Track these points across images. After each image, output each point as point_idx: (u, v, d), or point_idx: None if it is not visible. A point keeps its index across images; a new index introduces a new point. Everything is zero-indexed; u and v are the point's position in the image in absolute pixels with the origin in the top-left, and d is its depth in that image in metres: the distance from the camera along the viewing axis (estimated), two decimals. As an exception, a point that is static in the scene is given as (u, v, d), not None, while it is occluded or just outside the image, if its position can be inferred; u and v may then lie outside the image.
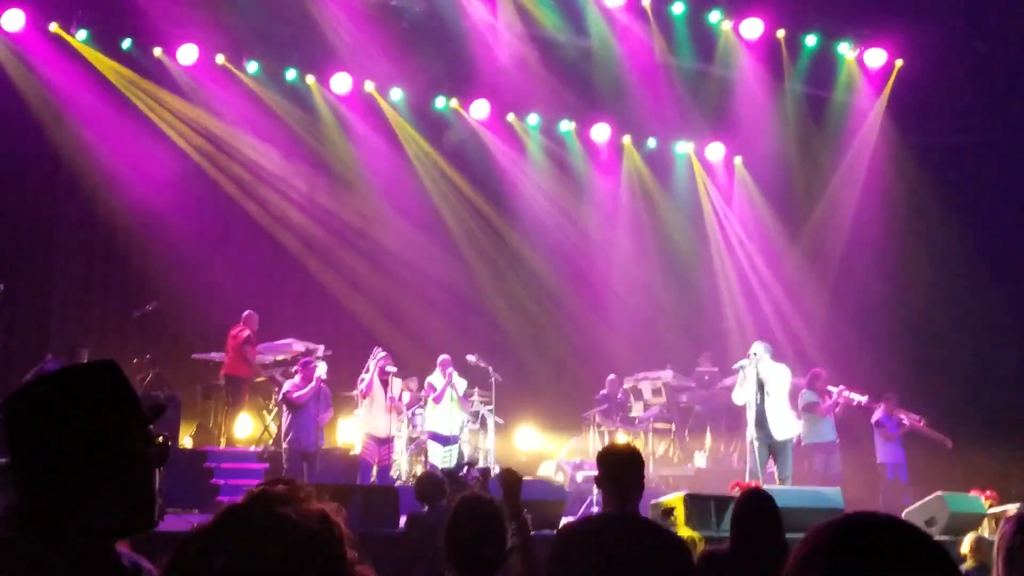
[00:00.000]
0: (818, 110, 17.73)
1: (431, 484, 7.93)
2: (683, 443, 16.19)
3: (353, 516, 6.75)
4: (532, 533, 4.36)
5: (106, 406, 2.23)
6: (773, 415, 11.92)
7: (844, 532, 1.55)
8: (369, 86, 16.62)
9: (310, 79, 16.29)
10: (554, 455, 15.39)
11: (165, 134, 15.43)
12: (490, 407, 14.18)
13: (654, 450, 15.63)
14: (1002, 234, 16.15)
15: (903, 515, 10.98)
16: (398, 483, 12.45)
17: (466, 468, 8.71)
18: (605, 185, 18.50)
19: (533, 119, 17.73)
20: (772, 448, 12.03)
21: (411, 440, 13.65)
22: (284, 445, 12.17)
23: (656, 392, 16.22)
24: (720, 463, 15.44)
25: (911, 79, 16.65)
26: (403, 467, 13.43)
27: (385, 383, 12.86)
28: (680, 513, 8.95)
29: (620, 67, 16.89)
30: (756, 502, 4.97)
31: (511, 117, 17.59)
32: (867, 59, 17.22)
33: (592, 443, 14.93)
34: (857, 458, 14.09)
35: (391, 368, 13.03)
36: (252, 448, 13.41)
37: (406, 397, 13.52)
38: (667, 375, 16.26)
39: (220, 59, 15.54)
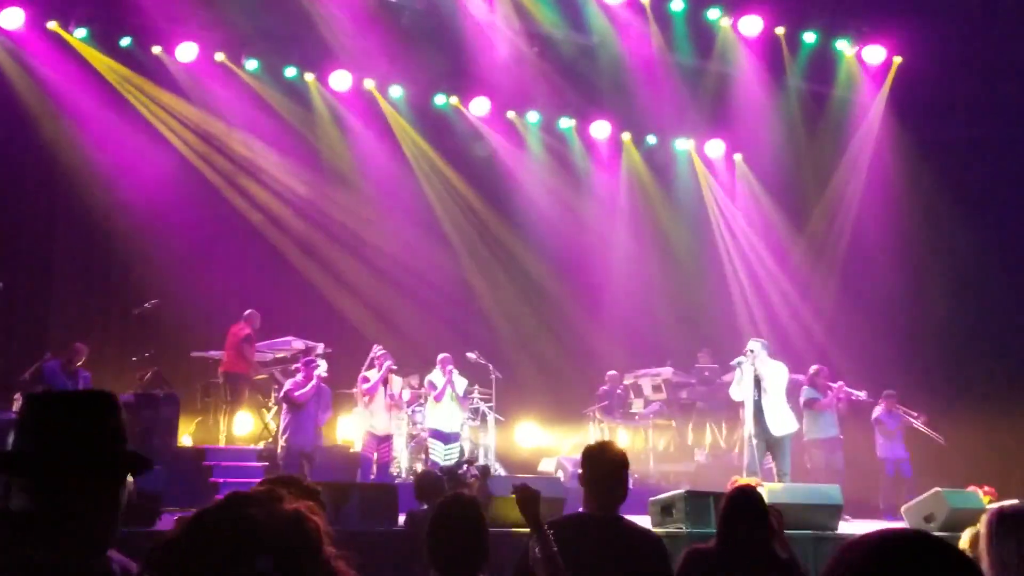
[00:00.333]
0: (818, 106, 17.73)
1: (430, 482, 7.94)
2: (683, 439, 16.21)
3: (352, 514, 6.73)
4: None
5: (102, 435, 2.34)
6: (771, 412, 11.95)
7: (878, 552, 1.54)
8: (369, 84, 16.61)
9: (309, 77, 16.27)
10: (555, 451, 15.40)
11: (164, 133, 15.42)
12: (490, 404, 14.21)
13: (654, 446, 15.65)
14: (1009, 228, 16.13)
15: (902, 511, 11.00)
16: (398, 480, 12.46)
17: (465, 466, 8.71)
18: (605, 182, 18.50)
19: (533, 116, 17.72)
20: (770, 444, 12.07)
21: (412, 437, 13.66)
22: (282, 443, 12.17)
23: (656, 388, 16.25)
24: (720, 459, 15.46)
25: (910, 75, 16.65)
26: (404, 464, 13.44)
27: (385, 380, 12.86)
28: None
29: (620, 64, 16.89)
30: (743, 500, 4.90)
31: (511, 114, 17.58)
32: (866, 56, 17.24)
33: (593, 439, 14.89)
34: (861, 454, 14.10)
35: (391, 365, 13.01)
36: (252, 446, 13.40)
37: (406, 395, 13.52)
38: (667, 371, 16.28)
39: (219, 56, 15.53)
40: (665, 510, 9.27)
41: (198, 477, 11.94)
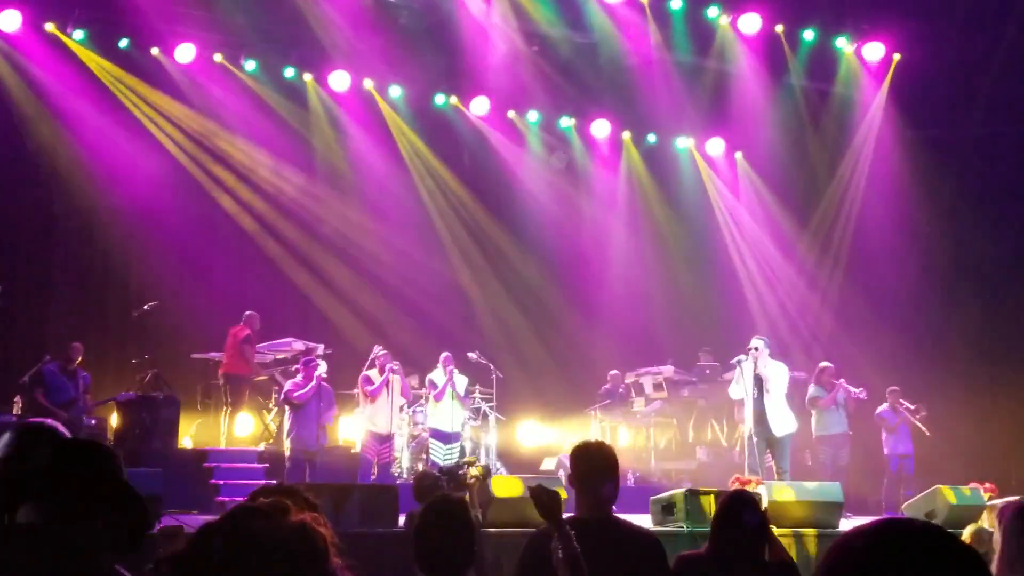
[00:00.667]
0: (818, 104, 17.73)
1: (428, 484, 7.93)
2: (685, 437, 16.21)
3: (352, 515, 6.73)
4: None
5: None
6: (771, 411, 11.95)
7: (875, 541, 1.53)
8: (368, 84, 16.61)
9: (308, 77, 16.27)
10: (557, 450, 15.39)
11: (165, 133, 15.42)
12: (491, 403, 14.21)
13: (656, 444, 15.66)
14: (1013, 223, 16.13)
15: (903, 508, 11.01)
16: (399, 480, 12.46)
17: (465, 466, 8.70)
18: (605, 180, 18.50)
19: (533, 115, 17.72)
20: (770, 443, 12.07)
21: (413, 437, 13.66)
22: (286, 444, 12.18)
23: (657, 387, 16.25)
24: (722, 457, 15.47)
25: (911, 71, 16.65)
26: (405, 464, 13.44)
27: (386, 380, 12.85)
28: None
29: (619, 63, 16.91)
30: (739, 504, 4.83)
31: (511, 114, 17.58)
32: (865, 53, 17.24)
33: (594, 438, 14.88)
34: (869, 451, 14.11)
35: (392, 366, 12.99)
36: (253, 448, 13.40)
37: (403, 399, 13.51)
38: (668, 370, 16.28)
39: (218, 57, 15.52)
40: (666, 509, 9.28)
41: (199, 479, 11.94)
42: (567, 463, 14.28)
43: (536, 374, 16.69)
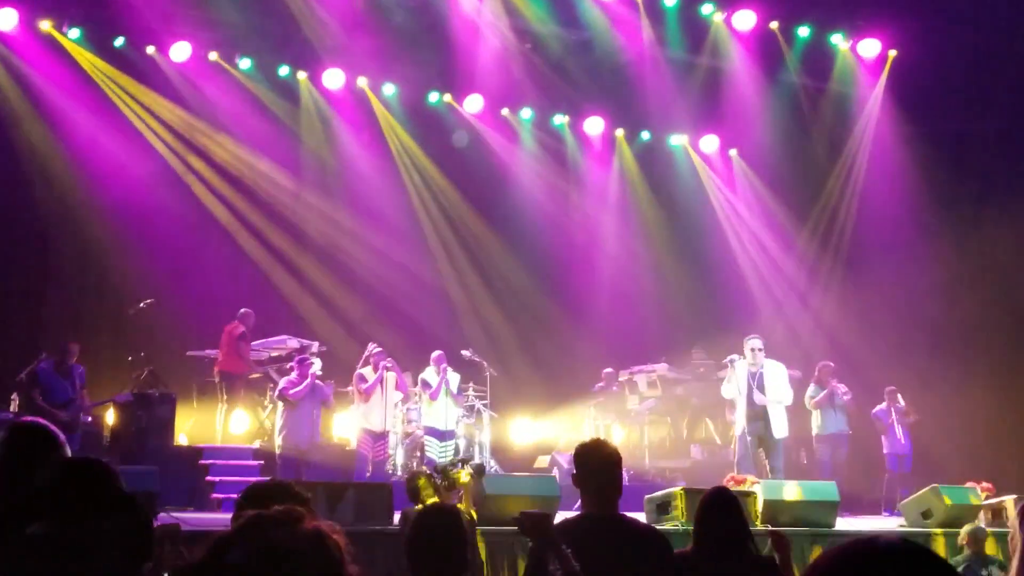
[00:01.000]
0: (814, 100, 17.72)
1: (420, 482, 7.92)
2: (679, 435, 16.21)
3: (346, 512, 6.73)
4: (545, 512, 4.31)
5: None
6: (770, 411, 11.99)
7: (858, 562, 1.53)
8: (362, 82, 16.59)
9: (302, 75, 16.25)
10: (551, 447, 15.41)
11: (156, 133, 15.39)
12: (485, 401, 14.21)
13: (650, 442, 15.66)
14: (1010, 218, 16.13)
15: (899, 507, 11.02)
16: (394, 478, 12.45)
17: (459, 464, 8.70)
18: (599, 178, 18.49)
19: (526, 113, 17.71)
20: (764, 442, 12.10)
21: (407, 435, 13.66)
22: (278, 442, 12.17)
23: (651, 385, 16.25)
24: (716, 455, 15.47)
25: (907, 68, 16.65)
26: (399, 462, 13.44)
27: (381, 377, 12.84)
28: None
29: (613, 60, 16.90)
30: (718, 502, 4.88)
31: (505, 111, 17.57)
32: (861, 50, 17.25)
33: (588, 436, 14.91)
34: (869, 450, 14.12)
35: (386, 364, 12.98)
36: (248, 445, 13.39)
37: (398, 396, 13.49)
38: (662, 368, 16.29)
39: (213, 56, 15.50)
40: (661, 507, 9.29)
41: (194, 476, 11.96)
42: (560, 460, 14.41)
43: (530, 372, 16.69)
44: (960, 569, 8.07)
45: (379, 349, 12.98)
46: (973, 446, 14.82)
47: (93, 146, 14.57)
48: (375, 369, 12.85)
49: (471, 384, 14.25)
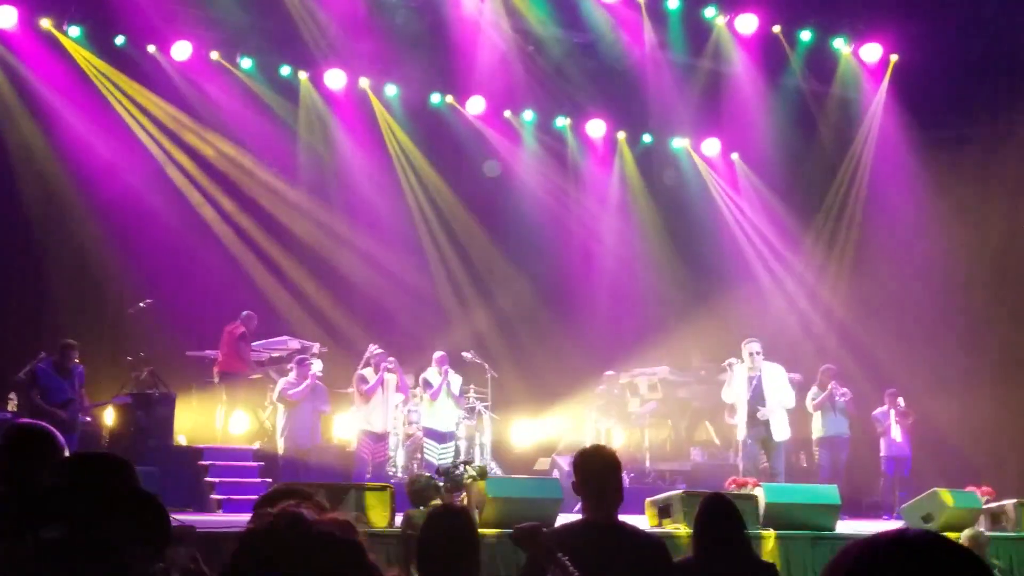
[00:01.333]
0: (818, 104, 17.70)
1: (421, 485, 7.91)
2: (679, 438, 16.18)
3: (348, 514, 6.71)
4: (538, 523, 4.30)
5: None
6: (771, 414, 11.98)
7: (886, 555, 1.50)
8: (364, 83, 16.57)
9: (303, 76, 16.22)
10: (551, 449, 15.40)
11: (150, 133, 15.36)
12: (486, 403, 14.19)
13: (651, 445, 15.64)
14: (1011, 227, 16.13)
15: (901, 510, 11.01)
16: (394, 480, 12.43)
17: (462, 466, 8.68)
18: (601, 180, 18.47)
19: (528, 115, 17.69)
20: (765, 444, 12.10)
21: (407, 436, 13.63)
22: (279, 442, 12.14)
23: (652, 388, 16.23)
24: (717, 458, 15.47)
25: (910, 72, 16.65)
26: (400, 463, 13.41)
27: (381, 379, 12.81)
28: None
29: (615, 63, 16.89)
30: (717, 509, 4.87)
31: (507, 113, 17.55)
32: (863, 54, 17.24)
33: (589, 439, 14.96)
34: (868, 453, 14.10)
35: (387, 365, 12.95)
36: (248, 446, 13.36)
37: (398, 398, 13.47)
38: (663, 370, 16.27)
39: (214, 55, 15.47)
40: (663, 510, 9.27)
41: (194, 477, 11.91)
42: (560, 463, 14.40)
43: (531, 374, 16.65)
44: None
45: (380, 350, 12.94)
46: (973, 449, 14.81)
47: (93, 145, 14.53)
48: (376, 370, 12.82)
49: (472, 386, 14.23)
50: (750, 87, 17.18)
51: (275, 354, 14.63)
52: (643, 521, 9.21)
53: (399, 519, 8.05)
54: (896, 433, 13.80)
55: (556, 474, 14.22)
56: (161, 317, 14.14)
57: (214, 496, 11.67)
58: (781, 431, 12.04)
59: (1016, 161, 15.87)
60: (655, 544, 4.45)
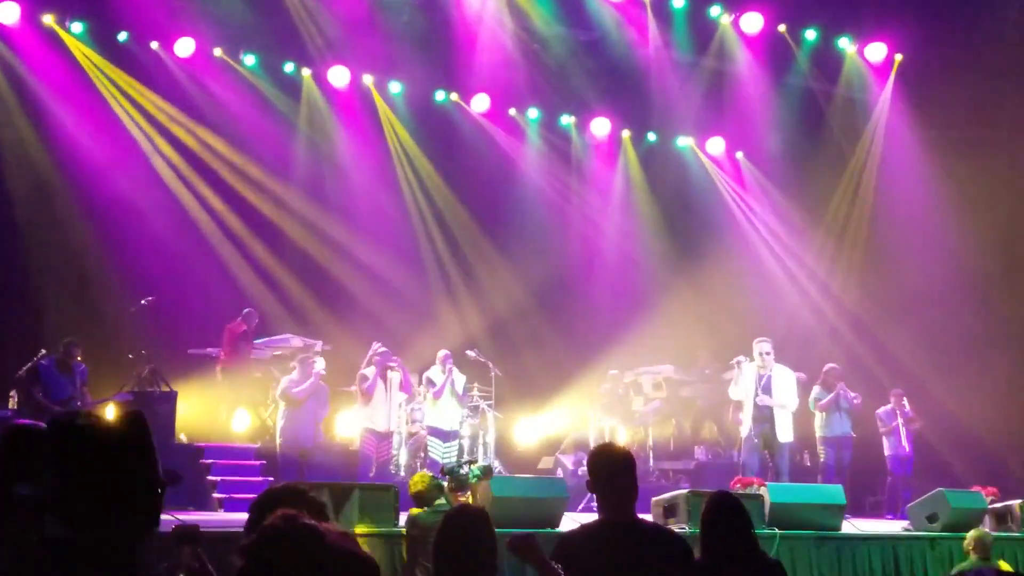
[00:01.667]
0: (822, 104, 17.66)
1: (425, 485, 7.85)
2: (683, 437, 16.14)
3: (352, 513, 6.64)
4: (533, 531, 4.29)
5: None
6: (777, 414, 11.97)
7: None
8: (367, 80, 16.53)
9: (306, 72, 16.17)
10: (555, 448, 15.37)
11: (159, 129, 15.33)
12: (490, 402, 14.14)
13: (655, 444, 15.60)
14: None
15: (906, 510, 10.96)
16: (397, 478, 12.37)
17: (466, 466, 8.63)
18: (605, 178, 18.42)
19: (533, 113, 17.65)
20: (770, 444, 12.09)
21: (411, 435, 13.58)
22: (280, 441, 12.10)
23: (656, 386, 16.20)
24: (720, 457, 15.43)
25: (916, 70, 16.62)
26: (403, 462, 13.36)
27: (384, 377, 12.75)
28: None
29: (620, 62, 16.86)
30: (725, 508, 4.85)
31: (512, 111, 17.51)
32: (868, 54, 17.21)
33: (592, 438, 14.95)
34: (871, 452, 14.04)
35: (387, 363, 12.89)
36: (250, 444, 13.32)
37: (402, 396, 13.42)
38: (668, 369, 16.24)
39: (218, 52, 15.43)
40: (668, 510, 9.23)
41: (196, 475, 11.86)
42: (565, 461, 14.33)
43: (534, 372, 16.60)
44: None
45: (384, 349, 12.88)
46: (978, 450, 14.76)
47: (96, 142, 14.49)
48: (379, 368, 12.76)
49: (475, 384, 14.18)
50: (755, 86, 17.16)
51: (278, 352, 14.58)
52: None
53: (403, 519, 7.99)
54: (901, 433, 13.72)
55: (560, 473, 14.18)
56: (163, 315, 14.12)
57: (216, 495, 11.63)
58: (785, 432, 12.03)
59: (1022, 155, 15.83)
60: (675, 539, 4.40)
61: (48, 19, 14.30)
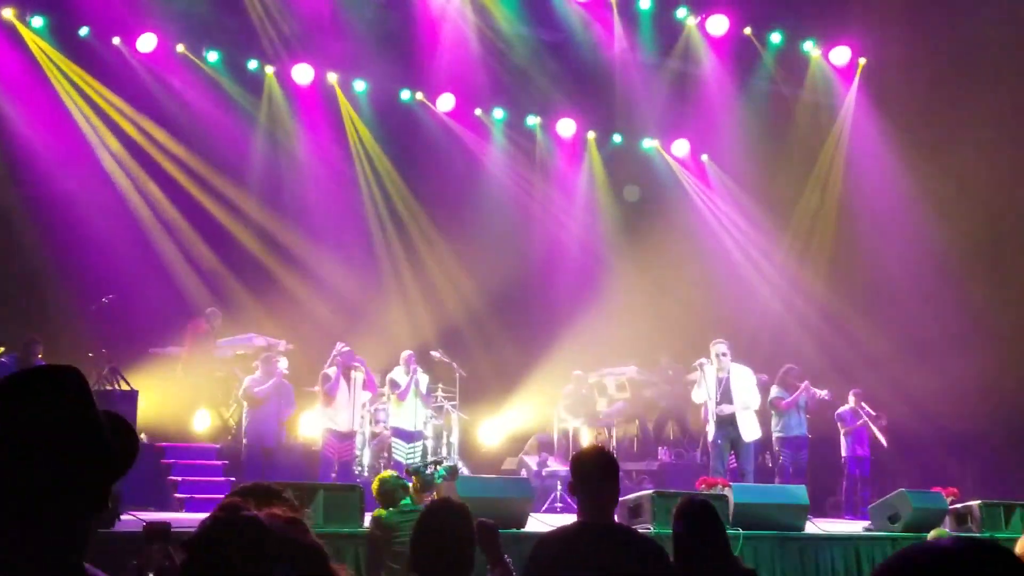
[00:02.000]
0: (787, 106, 17.79)
1: (390, 486, 7.81)
2: (647, 438, 16.19)
3: (316, 514, 6.56)
4: (500, 530, 4.26)
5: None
6: (739, 415, 12.03)
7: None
8: (332, 78, 16.43)
9: (270, 70, 16.05)
10: (519, 448, 15.35)
11: (119, 127, 15.16)
12: (454, 402, 14.10)
13: (618, 444, 15.62)
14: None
15: (868, 510, 11.05)
16: (360, 479, 12.29)
17: (432, 466, 8.59)
18: (569, 179, 18.44)
19: (499, 113, 17.63)
20: (735, 444, 12.15)
21: (374, 436, 13.50)
22: (244, 440, 12.00)
23: (620, 387, 16.24)
24: (684, 458, 15.48)
25: (879, 74, 16.78)
26: (366, 463, 13.28)
27: (348, 377, 12.66)
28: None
29: (586, 62, 16.88)
30: (697, 511, 4.86)
31: (478, 111, 17.47)
32: (832, 57, 17.36)
33: (556, 438, 14.96)
34: (827, 452, 14.13)
35: (356, 362, 12.80)
36: (211, 444, 13.20)
37: (366, 396, 13.34)
38: (631, 370, 16.27)
39: (180, 48, 15.27)
40: (633, 511, 9.22)
41: (157, 476, 11.74)
42: (528, 462, 14.29)
43: (498, 373, 16.57)
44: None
45: (347, 348, 12.78)
46: (937, 450, 14.91)
47: (53, 139, 14.32)
48: (343, 369, 12.66)
49: (440, 385, 14.14)
50: (721, 88, 17.24)
51: (240, 351, 14.46)
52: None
53: (367, 519, 7.94)
54: (859, 433, 13.81)
55: (524, 473, 14.17)
56: (123, 314, 13.93)
57: (177, 495, 11.51)
58: (751, 431, 12.09)
59: (990, 155, 15.99)
60: (652, 545, 4.41)
61: (8, 13, 14.10)
